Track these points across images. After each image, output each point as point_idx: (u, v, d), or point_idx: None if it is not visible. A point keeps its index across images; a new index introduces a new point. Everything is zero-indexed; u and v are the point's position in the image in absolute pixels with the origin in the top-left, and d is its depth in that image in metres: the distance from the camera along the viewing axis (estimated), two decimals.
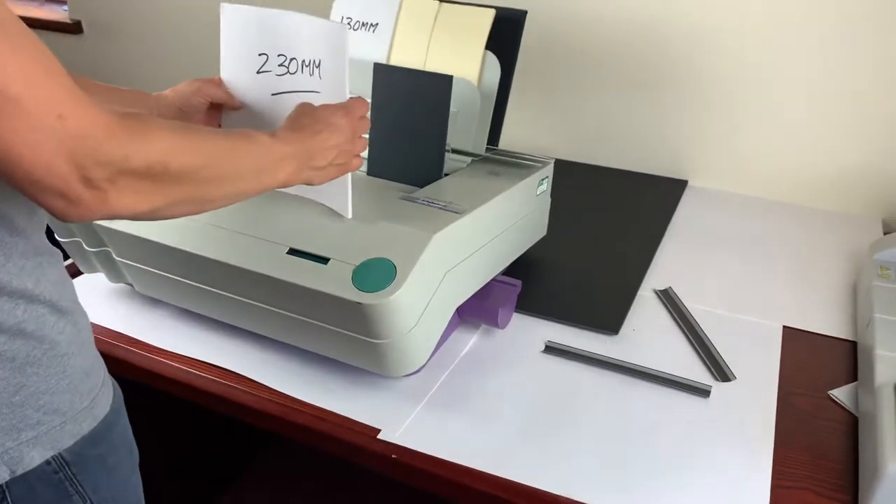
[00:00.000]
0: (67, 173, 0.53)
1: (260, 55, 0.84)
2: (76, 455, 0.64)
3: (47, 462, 0.62)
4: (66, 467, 0.64)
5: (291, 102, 0.78)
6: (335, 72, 0.79)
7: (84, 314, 0.69)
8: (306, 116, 0.75)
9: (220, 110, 0.89)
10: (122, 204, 0.56)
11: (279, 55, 0.83)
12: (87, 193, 0.54)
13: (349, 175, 0.81)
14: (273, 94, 0.84)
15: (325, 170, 0.75)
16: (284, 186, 0.72)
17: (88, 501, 0.66)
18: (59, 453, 0.63)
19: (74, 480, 0.65)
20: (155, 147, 0.57)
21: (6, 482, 0.60)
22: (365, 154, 0.83)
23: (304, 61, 0.81)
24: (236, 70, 0.87)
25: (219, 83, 0.88)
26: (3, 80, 0.49)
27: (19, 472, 0.61)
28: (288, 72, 0.83)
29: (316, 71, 0.80)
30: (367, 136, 0.80)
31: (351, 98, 0.78)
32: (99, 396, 0.67)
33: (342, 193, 0.83)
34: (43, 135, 0.51)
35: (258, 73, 0.85)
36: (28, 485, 0.61)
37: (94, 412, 0.67)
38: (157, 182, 0.57)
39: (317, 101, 0.78)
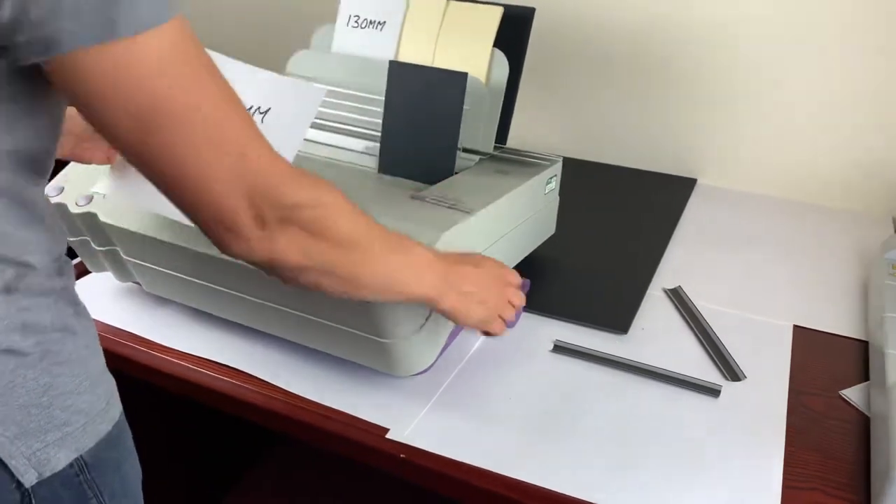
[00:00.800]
0: (241, 208, 0.55)
1: None
2: (95, 458, 0.64)
3: (70, 464, 0.62)
4: (87, 470, 0.63)
5: None
6: (276, 119, 0.77)
7: (88, 312, 0.69)
8: (466, 256, 0.78)
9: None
10: (281, 248, 0.59)
11: None
12: (255, 232, 0.57)
13: None
14: None
15: (469, 300, 0.75)
16: (428, 300, 0.72)
17: None
18: (81, 455, 0.63)
19: (93, 484, 0.64)
20: (323, 203, 0.60)
21: (32, 486, 0.59)
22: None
23: (249, 106, 0.79)
24: None
25: None
26: (203, 106, 0.51)
27: (46, 474, 0.60)
28: None
29: (258, 115, 0.78)
30: (515, 310, 0.82)
31: (506, 269, 0.82)
32: (112, 398, 0.67)
33: None
34: (224, 170, 0.53)
35: None
36: (52, 488, 0.61)
37: (111, 413, 0.66)
38: (316, 239, 0.60)
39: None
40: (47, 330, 0.60)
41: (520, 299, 0.82)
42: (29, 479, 0.59)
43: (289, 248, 0.59)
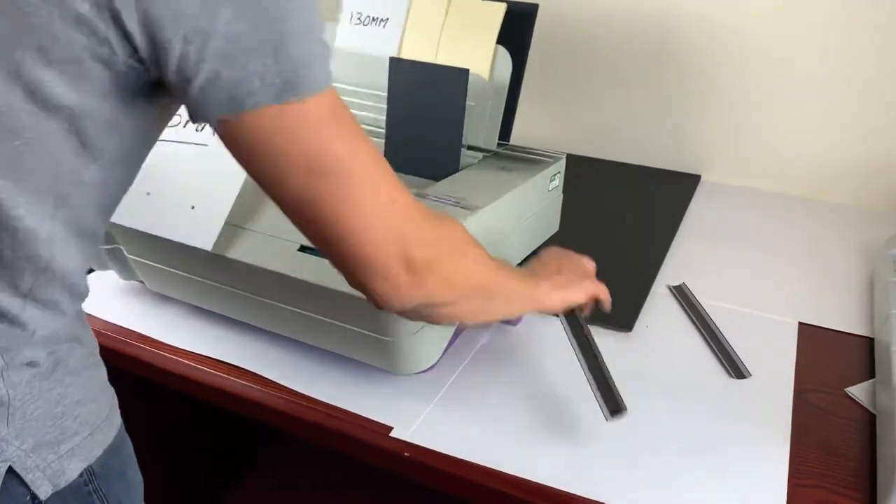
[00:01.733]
0: (395, 254, 0.58)
1: None
2: (102, 466, 0.64)
3: (80, 475, 0.62)
4: (95, 479, 0.63)
5: (175, 151, 0.78)
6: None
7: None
8: (554, 262, 0.84)
9: None
10: (433, 288, 0.61)
11: None
12: (407, 277, 0.59)
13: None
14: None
15: (569, 289, 0.81)
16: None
17: None
18: (90, 465, 0.63)
19: (101, 492, 0.64)
20: (458, 238, 0.66)
21: (46, 498, 0.59)
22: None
23: None
24: None
25: None
26: (358, 155, 0.56)
27: (61, 485, 0.60)
28: (174, 125, 0.82)
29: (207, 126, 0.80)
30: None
31: (585, 258, 0.88)
32: (113, 408, 0.67)
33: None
34: (378, 215, 0.57)
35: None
36: (63, 500, 0.61)
37: (114, 422, 0.66)
38: (457, 266, 0.64)
39: (204, 152, 0.78)
40: (59, 340, 0.61)
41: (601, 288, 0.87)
42: (44, 491, 0.59)
43: (439, 285, 0.62)
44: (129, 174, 0.62)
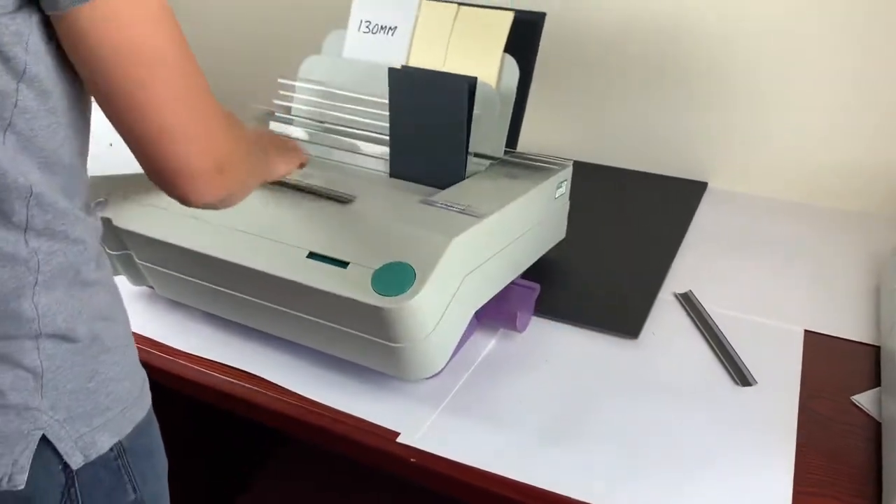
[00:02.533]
0: (210, 155, 0.61)
1: None
2: (131, 442, 0.67)
3: (111, 448, 0.65)
4: (124, 455, 0.66)
5: None
6: None
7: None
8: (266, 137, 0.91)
9: None
10: (231, 185, 0.65)
11: None
12: (217, 176, 0.62)
13: None
14: None
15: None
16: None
17: (137, 492, 0.68)
18: (120, 440, 0.66)
19: (129, 468, 0.67)
20: (243, 135, 0.71)
21: (78, 469, 0.62)
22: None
23: None
24: None
25: None
26: (181, 60, 0.58)
27: (92, 457, 0.63)
28: None
29: None
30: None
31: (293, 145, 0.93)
32: (144, 388, 0.70)
33: None
34: (199, 118, 0.60)
35: None
36: (94, 471, 0.64)
37: (143, 401, 0.69)
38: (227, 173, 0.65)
39: None
40: (96, 318, 0.64)
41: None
42: (76, 461, 0.62)
43: (234, 182, 0.66)
44: (73, 101, 0.61)
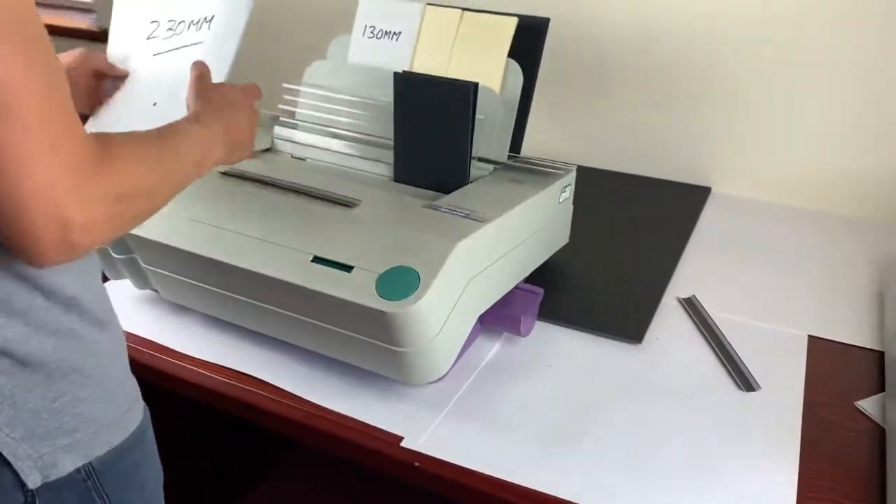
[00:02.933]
0: (48, 213, 0.50)
1: (152, 22, 0.84)
2: (105, 465, 0.65)
3: (77, 470, 0.63)
4: (95, 476, 0.64)
5: (172, 59, 0.80)
6: (222, 25, 0.81)
7: (120, 326, 0.70)
8: (214, 92, 0.77)
9: (103, 79, 0.87)
10: (90, 245, 0.54)
11: (170, 20, 0.84)
12: (59, 239, 0.51)
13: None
14: (155, 55, 0.84)
15: (240, 146, 0.78)
16: (214, 167, 0.73)
17: None
18: (90, 462, 0.64)
19: (102, 490, 0.65)
20: (126, 177, 0.56)
21: (37, 487, 0.61)
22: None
23: (193, 20, 0.83)
24: (126, 37, 0.86)
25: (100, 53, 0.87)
26: (10, 91, 0.48)
27: (52, 477, 0.61)
28: (174, 34, 0.84)
29: (204, 25, 0.82)
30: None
31: (248, 84, 0.83)
32: (131, 409, 0.68)
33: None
34: (34, 164, 0.49)
35: (147, 38, 0.85)
36: (56, 491, 0.62)
37: (126, 424, 0.67)
38: (123, 204, 0.56)
39: (198, 52, 0.80)
40: (64, 337, 0.62)
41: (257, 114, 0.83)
42: (33, 480, 0.60)
43: (102, 228, 0.55)
44: None
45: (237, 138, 0.76)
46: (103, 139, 0.56)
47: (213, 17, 0.81)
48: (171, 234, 0.89)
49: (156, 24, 0.84)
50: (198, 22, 0.82)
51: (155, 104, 0.85)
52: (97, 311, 0.65)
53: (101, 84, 0.87)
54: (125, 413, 0.67)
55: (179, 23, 0.83)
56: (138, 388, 0.72)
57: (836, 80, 1.30)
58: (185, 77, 0.78)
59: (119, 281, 1.06)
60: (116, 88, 0.87)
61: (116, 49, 0.87)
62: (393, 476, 0.82)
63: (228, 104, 0.76)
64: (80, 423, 0.63)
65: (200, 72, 0.78)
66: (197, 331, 1.01)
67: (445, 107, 0.97)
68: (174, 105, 0.78)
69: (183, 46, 0.83)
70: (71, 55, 0.84)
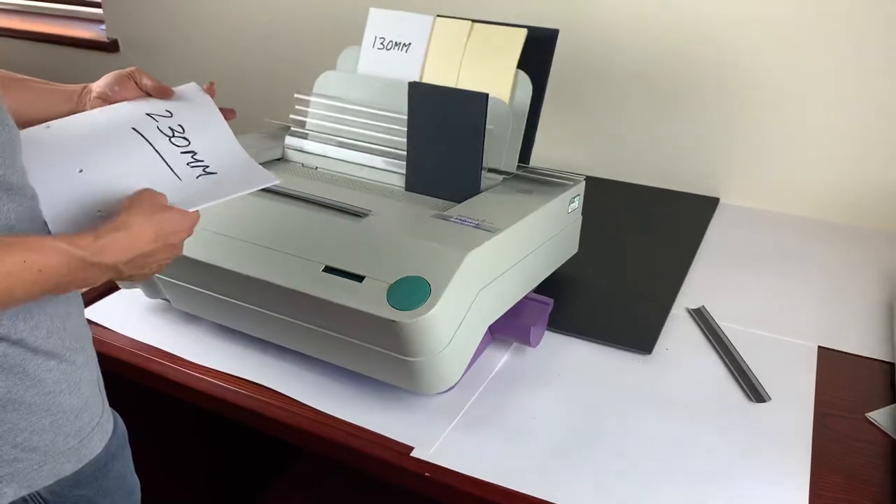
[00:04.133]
0: None
1: (166, 110, 0.81)
2: (56, 495, 0.64)
3: (23, 499, 0.62)
4: None
5: (141, 149, 0.74)
6: (211, 189, 0.75)
7: (85, 350, 0.68)
8: (142, 220, 0.65)
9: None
10: None
11: (179, 123, 0.81)
12: None
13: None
14: (133, 128, 0.78)
15: (135, 273, 0.66)
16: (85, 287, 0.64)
17: None
18: (38, 492, 0.62)
19: None
20: None
21: None
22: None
23: (194, 152, 0.79)
24: (138, 104, 0.82)
25: (143, 74, 0.82)
26: None
27: None
28: (169, 137, 0.79)
29: (195, 166, 0.77)
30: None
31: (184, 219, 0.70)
32: (89, 437, 0.67)
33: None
34: None
35: (147, 114, 0.80)
36: None
37: (81, 453, 0.66)
38: None
39: (174, 188, 0.72)
40: (1, 368, 0.60)
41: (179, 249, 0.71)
42: None
43: None
44: None
45: (136, 272, 0.66)
46: None
47: (215, 174, 0.76)
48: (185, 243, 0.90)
49: (168, 112, 0.81)
50: (198, 160, 0.77)
51: (81, 171, 0.73)
52: (50, 345, 0.63)
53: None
54: (81, 442, 0.66)
55: (182, 137, 0.79)
56: (108, 416, 0.70)
57: (844, 91, 1.30)
58: (131, 181, 0.70)
59: (130, 290, 1.07)
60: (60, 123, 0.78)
61: (112, 112, 0.81)
62: (403, 486, 0.82)
63: (145, 238, 0.65)
64: (21, 453, 0.61)
65: (154, 199, 0.68)
66: (208, 340, 1.01)
67: (458, 116, 0.97)
68: (94, 186, 0.70)
69: (161, 155, 0.76)
70: (116, 75, 0.82)
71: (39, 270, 0.56)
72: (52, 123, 0.76)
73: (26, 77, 0.77)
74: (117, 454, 0.71)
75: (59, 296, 0.65)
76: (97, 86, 0.81)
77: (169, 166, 0.76)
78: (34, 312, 0.62)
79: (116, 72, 0.82)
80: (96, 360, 0.70)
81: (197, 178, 0.77)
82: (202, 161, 0.79)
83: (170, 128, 0.80)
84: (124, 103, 0.81)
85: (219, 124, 0.84)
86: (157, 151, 0.77)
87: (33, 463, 0.62)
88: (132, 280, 0.69)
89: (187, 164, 0.77)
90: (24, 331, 0.61)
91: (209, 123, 0.83)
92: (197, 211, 0.71)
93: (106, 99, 0.80)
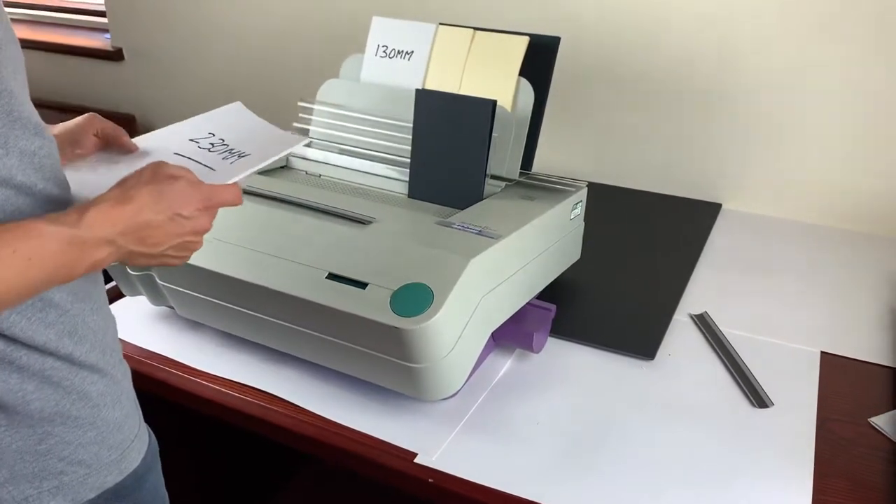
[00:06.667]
0: None
1: (209, 133, 0.83)
2: None
3: None
4: None
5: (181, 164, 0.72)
6: (243, 165, 0.75)
7: (122, 363, 0.69)
8: (149, 188, 0.60)
9: (109, 145, 0.80)
10: None
11: (220, 138, 0.81)
12: None
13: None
14: (175, 153, 0.78)
15: (154, 258, 0.62)
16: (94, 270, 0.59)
17: None
18: None
19: None
20: None
21: None
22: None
23: (231, 149, 0.79)
24: (179, 131, 0.83)
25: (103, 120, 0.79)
26: None
27: None
28: (209, 149, 0.79)
29: (230, 159, 0.77)
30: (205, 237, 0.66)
31: (226, 188, 0.66)
32: (129, 450, 0.67)
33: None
34: None
35: (191, 140, 0.81)
36: None
37: (122, 466, 0.66)
38: None
39: (205, 176, 0.70)
40: (45, 380, 0.60)
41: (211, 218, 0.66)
42: None
43: None
44: None
45: (144, 248, 0.60)
46: None
47: (244, 154, 0.78)
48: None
49: (211, 135, 0.82)
50: (234, 152, 0.79)
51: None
52: (93, 359, 0.64)
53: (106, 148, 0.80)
54: (122, 454, 0.66)
55: (223, 144, 0.81)
56: (144, 427, 0.71)
57: (846, 97, 1.30)
58: None
59: (135, 297, 1.07)
60: (113, 156, 0.79)
61: (157, 136, 0.82)
62: (406, 492, 0.82)
63: (162, 201, 0.60)
64: (68, 466, 0.62)
65: (160, 168, 0.63)
66: (212, 347, 1.01)
67: (464, 123, 0.98)
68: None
69: (198, 162, 0.76)
70: (80, 119, 0.78)
71: (30, 258, 0.52)
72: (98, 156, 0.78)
73: None
74: (152, 466, 0.71)
75: (98, 311, 0.65)
76: (62, 133, 0.76)
77: (200, 163, 0.76)
78: (78, 326, 0.62)
79: (79, 120, 0.78)
80: (130, 373, 0.71)
81: (231, 163, 0.77)
82: (236, 150, 0.80)
83: (210, 143, 0.81)
84: (165, 130, 0.82)
85: (256, 124, 0.84)
86: (192, 160, 0.77)
87: (79, 476, 0.63)
88: (148, 264, 0.62)
89: (222, 159, 0.78)
90: (70, 345, 0.62)
91: (249, 128, 0.84)
92: (215, 185, 0.65)
93: (74, 141, 0.76)
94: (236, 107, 0.89)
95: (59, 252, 0.54)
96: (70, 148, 0.76)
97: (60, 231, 0.54)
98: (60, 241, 0.54)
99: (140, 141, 0.81)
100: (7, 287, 0.51)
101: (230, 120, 0.85)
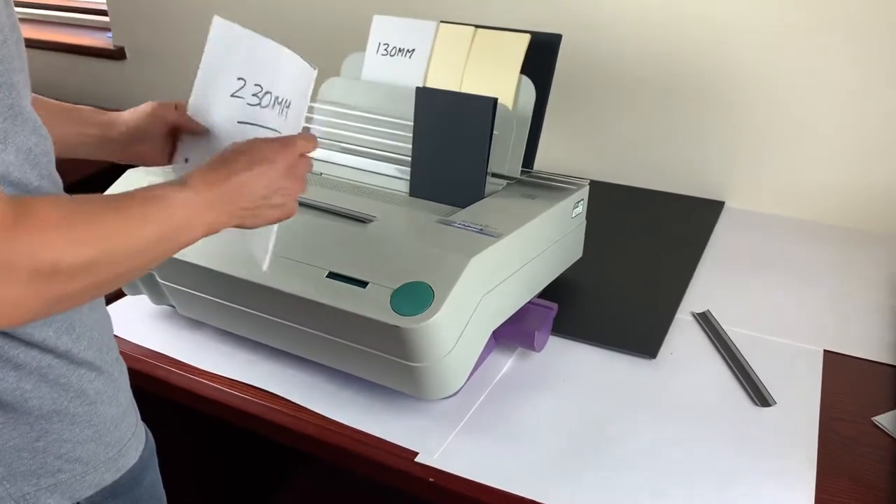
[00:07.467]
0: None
1: (238, 79, 0.80)
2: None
3: None
4: None
5: (254, 135, 0.73)
6: (296, 115, 0.76)
7: (119, 361, 0.69)
8: (233, 152, 0.65)
9: (176, 134, 0.83)
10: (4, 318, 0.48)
11: (256, 84, 0.79)
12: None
13: (275, 226, 0.73)
14: (239, 122, 0.78)
15: (258, 210, 0.65)
16: (210, 234, 0.63)
17: None
18: (78, 502, 0.63)
19: None
20: (43, 248, 0.48)
21: None
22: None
23: (277, 98, 0.78)
24: (211, 88, 0.82)
25: (176, 107, 0.81)
26: None
27: None
28: (260, 104, 0.79)
29: (285, 111, 0.77)
30: (306, 177, 0.71)
31: (298, 134, 0.71)
32: (126, 447, 0.67)
33: (263, 242, 0.75)
34: None
35: (232, 96, 0.80)
36: None
37: (119, 463, 0.66)
38: (49, 282, 0.48)
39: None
40: (41, 378, 0.60)
41: (308, 164, 0.71)
42: None
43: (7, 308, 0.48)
44: None
45: (244, 202, 0.64)
46: (23, 203, 0.48)
47: (290, 103, 0.77)
48: (188, 250, 0.90)
49: (242, 81, 0.80)
50: (280, 102, 0.77)
51: (186, 160, 0.81)
52: (90, 356, 0.64)
53: (177, 136, 0.82)
54: (119, 452, 0.66)
55: (266, 93, 0.79)
56: (141, 426, 0.70)
57: (850, 95, 1.30)
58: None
59: (136, 296, 1.07)
60: (187, 145, 0.82)
61: (199, 102, 0.81)
62: (407, 492, 0.82)
63: (244, 159, 0.65)
64: (65, 464, 0.62)
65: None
66: (213, 346, 1.01)
67: (465, 121, 0.98)
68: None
69: (266, 127, 0.77)
70: (142, 109, 0.81)
71: (160, 223, 0.56)
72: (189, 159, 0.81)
73: (48, 100, 0.77)
74: (149, 464, 0.71)
75: (95, 307, 0.65)
76: (131, 120, 0.80)
77: (266, 127, 0.78)
78: (75, 324, 0.62)
79: (146, 108, 0.81)
80: (127, 371, 0.71)
81: (285, 119, 0.77)
82: (278, 96, 0.79)
83: (252, 94, 0.79)
84: (199, 92, 0.81)
85: (260, 46, 0.82)
86: (258, 126, 0.78)
87: (76, 473, 0.63)
88: (256, 221, 0.66)
89: (277, 114, 0.78)
90: (68, 343, 0.62)
91: (262, 58, 0.81)
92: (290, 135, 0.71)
93: (142, 137, 0.80)
94: (225, 28, 0.85)
95: (171, 216, 0.57)
96: (137, 144, 0.81)
97: (173, 193, 0.58)
98: (173, 203, 0.58)
99: (194, 114, 0.80)
100: (123, 253, 0.53)
101: (241, 54, 0.82)
